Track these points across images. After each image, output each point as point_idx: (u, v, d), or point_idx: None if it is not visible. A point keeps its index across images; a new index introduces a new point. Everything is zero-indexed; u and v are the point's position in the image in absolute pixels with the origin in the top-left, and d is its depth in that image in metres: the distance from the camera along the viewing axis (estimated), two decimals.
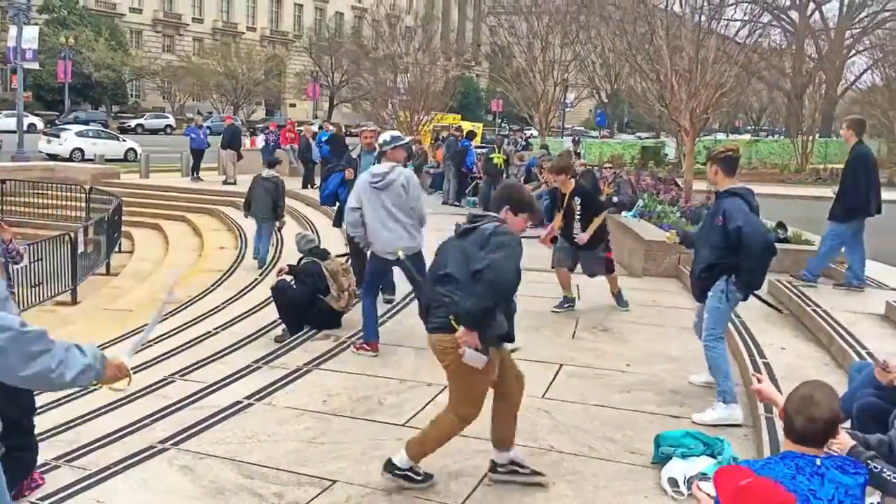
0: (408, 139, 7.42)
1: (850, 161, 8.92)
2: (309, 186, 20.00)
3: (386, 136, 7.32)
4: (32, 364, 2.42)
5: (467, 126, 31.17)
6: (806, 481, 2.83)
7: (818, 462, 2.88)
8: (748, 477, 2.85)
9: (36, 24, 30.39)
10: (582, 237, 8.20)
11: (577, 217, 8.20)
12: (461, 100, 56.26)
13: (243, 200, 12.46)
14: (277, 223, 12.16)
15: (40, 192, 19.54)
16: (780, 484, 2.83)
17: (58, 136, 33.94)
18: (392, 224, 6.77)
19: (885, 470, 3.08)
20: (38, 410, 4.63)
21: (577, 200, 8.20)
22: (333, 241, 10.87)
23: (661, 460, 4.64)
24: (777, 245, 10.75)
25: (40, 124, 43.88)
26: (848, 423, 3.90)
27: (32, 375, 2.44)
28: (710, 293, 5.44)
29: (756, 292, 5.61)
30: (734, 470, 3.02)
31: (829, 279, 10.14)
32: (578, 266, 8.57)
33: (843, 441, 3.26)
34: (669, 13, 16.30)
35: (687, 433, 4.73)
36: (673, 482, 4.40)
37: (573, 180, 8.33)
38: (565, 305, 8.43)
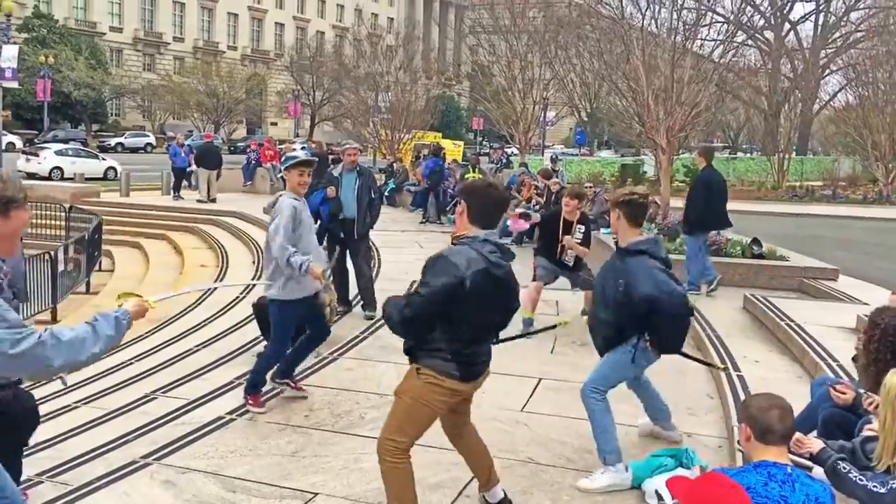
0: (304, 158, 6.09)
1: (695, 184, 10.20)
2: None
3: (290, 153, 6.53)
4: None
5: (447, 144, 31.37)
6: (778, 488, 2.95)
7: (789, 470, 3.01)
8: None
9: (15, 42, 30.24)
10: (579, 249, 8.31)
11: (577, 242, 8.31)
12: (442, 118, 56.66)
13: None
14: None
15: None
16: (753, 490, 2.95)
17: (37, 155, 33.80)
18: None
19: (851, 471, 3.21)
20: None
21: (581, 229, 8.37)
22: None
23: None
24: (752, 261, 11.13)
25: (19, 143, 43.67)
26: (814, 433, 4.04)
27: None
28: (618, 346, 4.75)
29: (687, 353, 5.02)
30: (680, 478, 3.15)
31: (805, 294, 10.35)
32: (555, 283, 8.68)
33: (813, 444, 3.40)
34: (646, 33, 16.56)
35: (652, 456, 4.82)
36: (658, 496, 4.48)
37: (580, 211, 8.53)
38: (530, 328, 7.87)
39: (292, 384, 6.28)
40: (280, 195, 5.98)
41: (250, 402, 5.97)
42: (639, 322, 4.55)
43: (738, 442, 3.28)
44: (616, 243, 4.84)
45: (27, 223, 2.82)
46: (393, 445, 3.84)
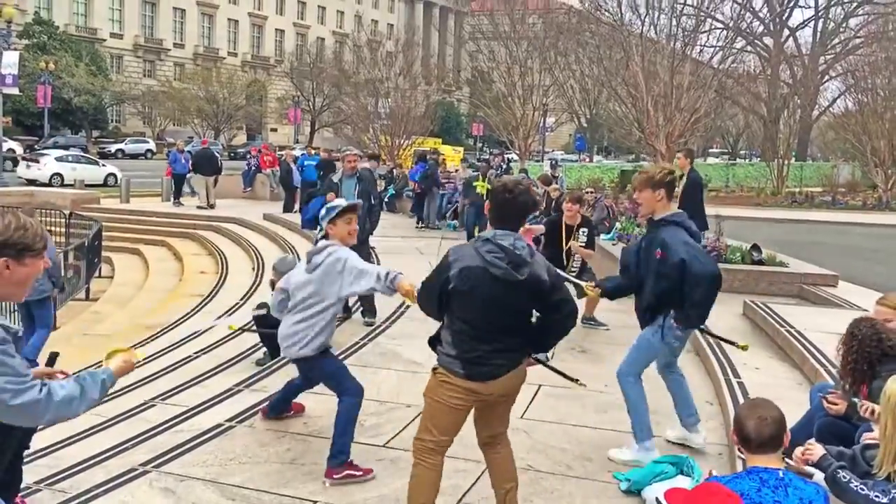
0: (349, 204, 5.24)
1: (687, 186, 10.30)
2: (292, 211, 20.06)
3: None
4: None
5: (447, 150, 31.34)
6: (771, 493, 2.95)
7: (781, 474, 3.00)
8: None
9: (16, 49, 30.30)
10: (584, 252, 8.38)
11: (581, 245, 8.39)
12: (442, 124, 56.78)
13: None
14: None
15: None
16: (747, 496, 2.94)
17: (37, 161, 33.83)
18: None
19: (852, 481, 3.20)
20: None
21: (584, 231, 8.46)
22: None
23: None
24: (752, 267, 11.12)
25: (19, 149, 43.69)
26: (814, 439, 4.03)
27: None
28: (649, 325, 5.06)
29: (710, 330, 5.15)
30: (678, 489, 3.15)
31: (804, 300, 10.34)
32: None
33: (815, 450, 3.40)
34: (645, 39, 16.60)
35: (653, 462, 4.82)
36: (658, 503, 4.47)
37: (580, 215, 8.61)
38: None
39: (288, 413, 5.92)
40: (329, 245, 5.03)
41: (351, 472, 4.85)
42: (670, 293, 4.79)
43: (739, 448, 3.28)
44: (650, 219, 5.07)
45: (41, 270, 2.87)
46: (420, 444, 3.95)
